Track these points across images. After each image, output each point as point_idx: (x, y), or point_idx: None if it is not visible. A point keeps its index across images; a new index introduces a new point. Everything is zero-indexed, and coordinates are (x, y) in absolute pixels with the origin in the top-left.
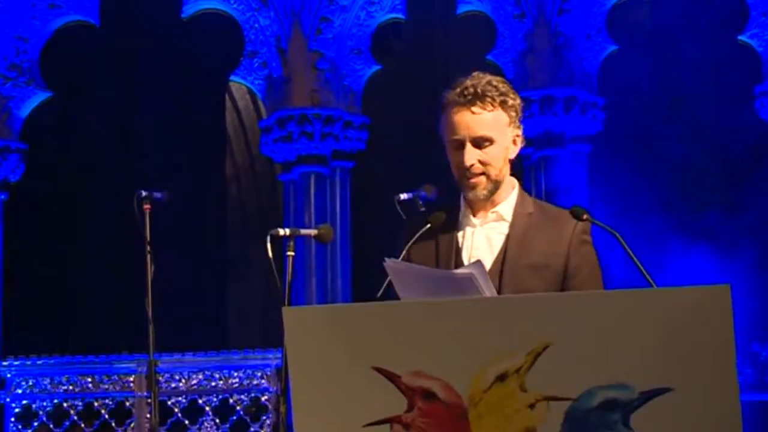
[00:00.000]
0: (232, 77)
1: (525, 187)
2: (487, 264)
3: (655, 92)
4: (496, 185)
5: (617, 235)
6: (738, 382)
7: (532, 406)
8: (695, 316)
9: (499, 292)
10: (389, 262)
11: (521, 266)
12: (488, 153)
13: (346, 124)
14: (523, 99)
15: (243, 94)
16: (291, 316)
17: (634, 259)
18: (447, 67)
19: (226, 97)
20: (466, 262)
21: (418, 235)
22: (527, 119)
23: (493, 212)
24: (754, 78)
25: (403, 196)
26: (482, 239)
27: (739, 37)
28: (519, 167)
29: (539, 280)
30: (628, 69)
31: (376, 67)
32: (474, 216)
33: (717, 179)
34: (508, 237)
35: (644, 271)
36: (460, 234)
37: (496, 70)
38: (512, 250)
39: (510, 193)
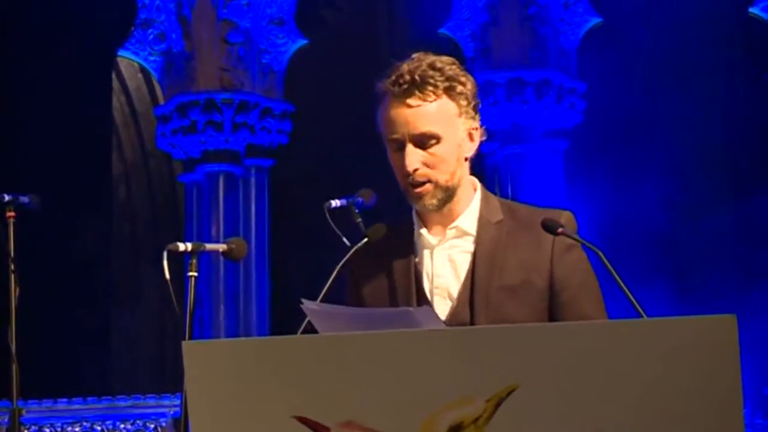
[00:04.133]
0: (120, 52)
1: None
2: (454, 291)
3: (648, 75)
4: (448, 192)
5: (599, 252)
6: None
7: None
8: (693, 353)
9: (472, 323)
10: (307, 304)
11: (495, 289)
12: (434, 153)
13: (264, 112)
14: (485, 83)
15: (134, 72)
16: (193, 352)
17: (620, 282)
18: (391, 42)
19: (113, 76)
20: (429, 296)
21: (349, 254)
22: (491, 107)
23: (452, 228)
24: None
25: (335, 203)
26: (444, 262)
27: (750, 9)
28: (479, 168)
29: (520, 304)
30: (615, 46)
31: (302, 42)
32: (430, 233)
33: (723, 181)
34: (474, 255)
35: (631, 297)
36: (417, 260)
37: (451, 47)
38: (481, 270)
39: (471, 199)
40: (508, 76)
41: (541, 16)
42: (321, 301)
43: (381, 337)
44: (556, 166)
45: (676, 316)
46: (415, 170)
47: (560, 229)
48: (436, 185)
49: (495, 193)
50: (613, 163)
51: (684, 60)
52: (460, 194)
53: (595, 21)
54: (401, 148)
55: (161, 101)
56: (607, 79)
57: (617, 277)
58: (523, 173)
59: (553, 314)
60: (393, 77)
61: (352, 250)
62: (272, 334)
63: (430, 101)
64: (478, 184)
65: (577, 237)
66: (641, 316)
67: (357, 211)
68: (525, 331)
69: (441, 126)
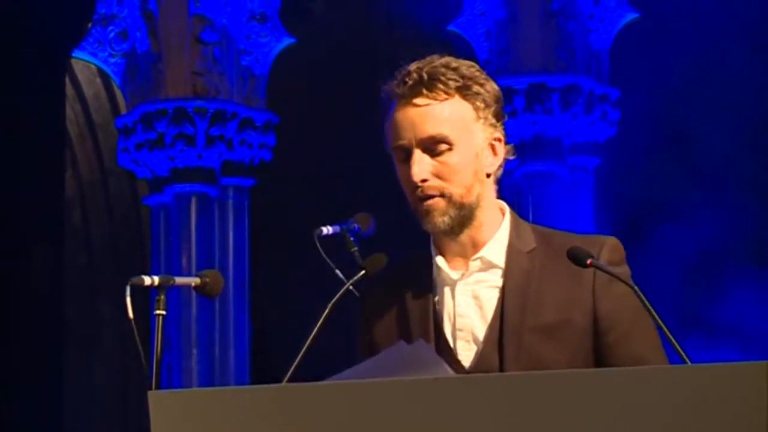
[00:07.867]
0: (75, 53)
1: None
2: (480, 333)
3: (693, 80)
4: (462, 211)
5: (636, 288)
6: None
7: None
8: (719, 404)
9: (501, 371)
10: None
11: (528, 330)
12: (446, 162)
13: (244, 123)
14: (501, 90)
15: (92, 77)
16: (160, 403)
17: (659, 321)
18: (391, 41)
19: (67, 81)
20: (450, 340)
21: (343, 290)
22: (508, 118)
23: (476, 259)
24: None
25: (327, 230)
26: (468, 301)
27: None
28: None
29: (558, 346)
30: (654, 46)
31: (288, 41)
32: (450, 265)
33: None
34: (503, 291)
35: (671, 338)
36: (437, 298)
37: (462, 48)
38: (511, 308)
39: (498, 225)
40: (529, 82)
41: (567, 12)
42: (310, 345)
43: (378, 386)
44: (586, 186)
45: (700, 364)
46: (424, 181)
47: (589, 260)
48: (449, 200)
49: None
50: (652, 182)
51: (734, 62)
52: (482, 218)
53: (630, 17)
54: (408, 157)
55: (123, 110)
56: (645, 85)
57: (657, 316)
58: (546, 195)
59: (599, 357)
60: (398, 78)
61: (347, 284)
62: (253, 382)
63: (440, 101)
64: (507, 208)
65: (610, 270)
66: (683, 360)
67: (352, 239)
68: (552, 379)
69: (453, 129)
